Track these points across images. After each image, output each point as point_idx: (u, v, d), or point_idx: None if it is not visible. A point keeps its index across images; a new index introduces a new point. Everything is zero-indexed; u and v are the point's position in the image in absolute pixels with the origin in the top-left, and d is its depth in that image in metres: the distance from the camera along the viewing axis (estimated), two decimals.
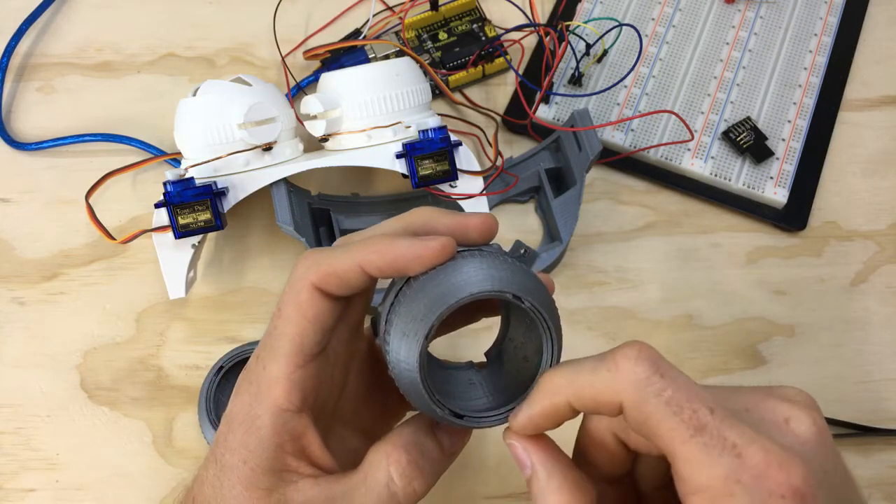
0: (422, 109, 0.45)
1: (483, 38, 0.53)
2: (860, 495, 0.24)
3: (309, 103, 0.43)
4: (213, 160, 0.42)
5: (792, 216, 0.49)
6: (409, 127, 0.44)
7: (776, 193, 0.49)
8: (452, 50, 0.53)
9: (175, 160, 0.50)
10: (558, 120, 0.51)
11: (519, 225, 0.49)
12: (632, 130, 0.51)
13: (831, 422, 0.43)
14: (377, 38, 0.53)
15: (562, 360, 0.27)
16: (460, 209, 0.45)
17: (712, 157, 0.50)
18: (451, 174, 0.43)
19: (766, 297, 0.48)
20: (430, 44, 0.53)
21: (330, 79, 0.44)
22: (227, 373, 0.44)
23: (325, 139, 0.45)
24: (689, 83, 0.52)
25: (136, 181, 0.50)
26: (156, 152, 0.50)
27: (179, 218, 0.41)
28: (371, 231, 0.29)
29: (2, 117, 0.51)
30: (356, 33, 0.53)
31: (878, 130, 0.52)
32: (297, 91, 0.52)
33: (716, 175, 0.49)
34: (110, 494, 0.43)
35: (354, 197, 0.49)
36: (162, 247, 0.43)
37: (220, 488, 0.27)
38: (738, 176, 0.49)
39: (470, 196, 0.45)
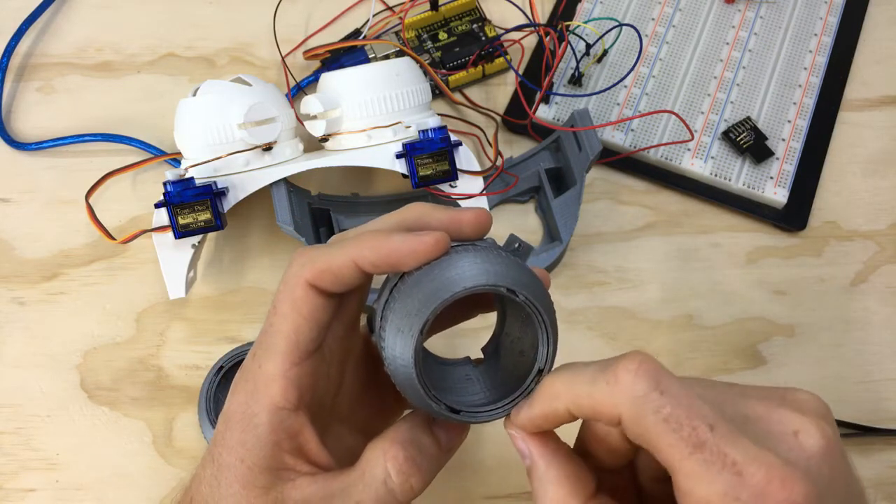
0: (422, 109, 0.45)
1: (483, 38, 0.53)
2: None
3: (309, 103, 0.43)
4: (213, 160, 0.42)
5: (792, 216, 0.49)
6: (409, 127, 0.44)
7: (776, 193, 0.49)
8: (452, 50, 0.53)
9: (175, 160, 0.50)
10: (558, 120, 0.51)
11: (519, 225, 0.49)
12: (632, 130, 0.51)
13: None
14: (377, 38, 0.53)
15: (558, 357, 0.27)
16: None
17: (712, 157, 0.50)
18: (451, 174, 0.43)
19: (766, 297, 0.48)
20: (430, 44, 0.53)
21: (330, 79, 0.44)
22: (227, 373, 0.44)
23: (325, 139, 0.45)
24: (689, 83, 0.52)
25: (136, 181, 0.50)
26: (156, 152, 0.50)
27: (179, 218, 0.41)
28: (365, 227, 0.29)
29: (2, 117, 0.51)
30: (356, 33, 0.53)
31: (878, 130, 0.52)
32: (297, 91, 0.52)
33: (716, 175, 0.49)
34: (110, 494, 0.43)
35: (354, 197, 0.49)
36: (162, 247, 0.43)
37: (218, 487, 0.27)
38: (738, 176, 0.49)
39: (470, 196, 0.45)
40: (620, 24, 0.49)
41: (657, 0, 0.55)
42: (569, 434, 0.28)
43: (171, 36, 0.54)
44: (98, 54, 0.54)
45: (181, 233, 0.42)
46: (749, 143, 0.50)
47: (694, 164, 0.50)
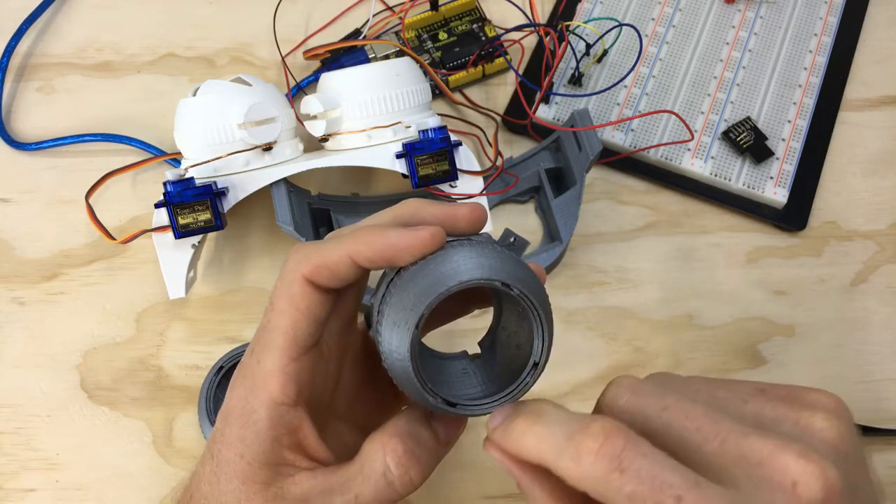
0: (422, 109, 0.45)
1: (483, 38, 0.53)
2: None
3: (309, 103, 0.43)
4: (213, 160, 0.42)
5: (792, 216, 0.49)
6: (409, 127, 0.44)
7: (776, 193, 0.49)
8: (452, 50, 0.53)
9: (175, 160, 0.50)
10: (558, 120, 0.51)
11: (519, 225, 0.49)
12: (632, 130, 0.51)
13: None
14: (377, 38, 0.53)
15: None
16: None
17: (712, 157, 0.50)
18: (451, 174, 0.43)
19: (766, 297, 0.48)
20: (430, 44, 0.53)
21: (330, 79, 0.44)
22: (227, 373, 0.44)
23: (325, 139, 0.45)
24: (689, 83, 0.52)
25: (136, 181, 0.50)
26: (156, 152, 0.50)
27: (179, 218, 0.41)
28: (361, 223, 0.29)
29: (2, 117, 0.51)
30: (356, 33, 0.53)
31: (878, 130, 0.52)
32: (297, 91, 0.52)
33: (716, 175, 0.49)
34: (110, 494, 0.43)
35: (354, 197, 0.49)
36: (162, 247, 0.43)
37: (217, 484, 0.27)
38: (738, 176, 0.49)
39: (470, 196, 0.45)
40: (620, 24, 0.49)
41: (657, 0, 0.55)
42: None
43: (171, 36, 0.54)
44: (98, 54, 0.54)
45: (181, 233, 0.42)
46: (749, 143, 0.50)
47: (694, 164, 0.50)
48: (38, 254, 0.49)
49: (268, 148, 0.43)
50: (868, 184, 0.51)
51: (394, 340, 0.26)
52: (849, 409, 0.24)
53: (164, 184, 0.41)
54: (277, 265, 0.48)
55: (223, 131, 0.42)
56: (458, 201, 0.45)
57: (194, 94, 0.43)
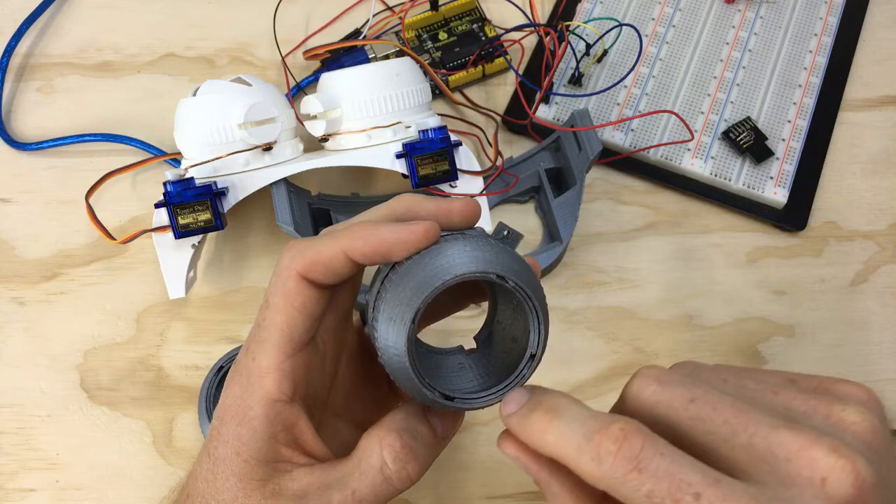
0: (422, 109, 0.45)
1: (483, 38, 0.53)
2: None
3: (309, 103, 0.43)
4: (213, 160, 0.42)
5: (792, 216, 0.49)
6: (409, 127, 0.44)
7: (776, 193, 0.49)
8: (452, 50, 0.53)
9: (175, 160, 0.50)
10: (558, 120, 0.51)
11: (519, 225, 0.49)
12: (632, 130, 0.51)
13: None
14: (377, 38, 0.53)
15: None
16: None
17: (712, 157, 0.50)
18: (451, 174, 0.43)
19: (766, 297, 0.48)
20: (430, 44, 0.53)
21: (330, 79, 0.44)
22: (227, 373, 0.44)
23: (325, 139, 0.45)
24: (689, 83, 0.52)
25: (136, 181, 0.50)
26: (156, 152, 0.50)
27: (179, 218, 0.41)
28: (355, 219, 0.29)
29: (2, 117, 0.51)
30: (356, 33, 0.53)
31: (878, 130, 0.52)
32: (297, 91, 0.52)
33: (716, 175, 0.49)
34: (110, 494, 0.44)
35: (354, 197, 0.49)
36: (162, 247, 0.43)
37: (214, 482, 0.27)
38: (738, 176, 0.49)
39: (470, 196, 0.45)
40: (620, 24, 0.49)
41: (657, 0, 0.55)
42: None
43: (171, 36, 0.54)
44: (98, 54, 0.54)
45: (181, 233, 0.42)
46: (749, 143, 0.50)
47: (694, 164, 0.50)
48: (38, 254, 0.49)
49: (268, 148, 0.43)
50: (868, 184, 0.51)
51: (390, 336, 0.26)
52: (881, 401, 0.24)
53: (164, 184, 0.41)
54: None
55: (223, 131, 0.42)
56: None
57: (194, 94, 0.43)
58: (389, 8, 0.54)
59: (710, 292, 0.48)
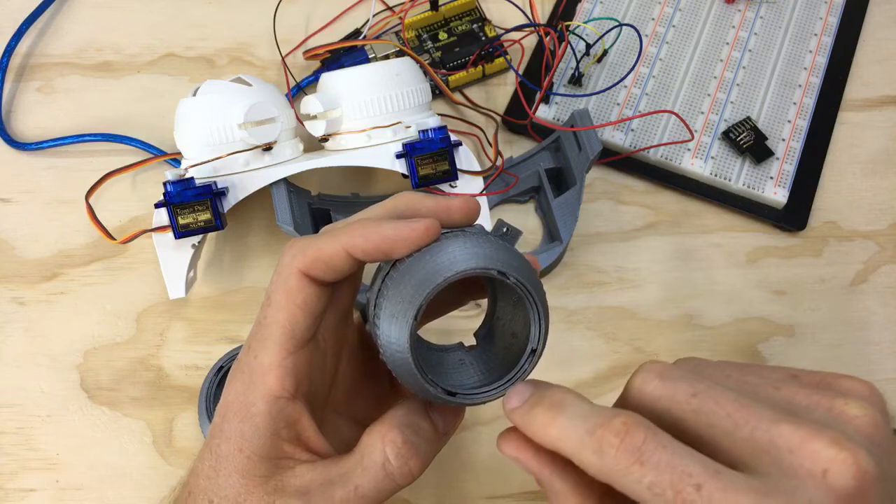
0: (422, 109, 0.45)
1: (483, 38, 0.53)
2: None
3: (309, 103, 0.43)
4: (213, 160, 0.42)
5: (792, 216, 0.49)
6: (409, 127, 0.44)
7: (776, 193, 0.49)
8: (452, 50, 0.53)
9: (175, 160, 0.50)
10: (558, 120, 0.51)
11: (519, 225, 0.49)
12: (632, 130, 0.51)
13: None
14: (377, 38, 0.53)
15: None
16: None
17: (712, 157, 0.50)
18: (451, 174, 0.43)
19: (766, 297, 0.48)
20: (430, 44, 0.53)
21: (330, 79, 0.44)
22: (227, 373, 0.44)
23: (325, 139, 0.45)
24: (689, 83, 0.52)
25: (136, 181, 0.50)
26: (156, 152, 0.50)
27: (179, 218, 0.41)
28: (356, 217, 0.30)
29: (2, 117, 0.51)
30: (356, 33, 0.53)
31: (878, 130, 0.52)
32: (297, 91, 0.52)
33: (716, 175, 0.49)
34: (110, 494, 0.43)
35: (354, 197, 0.49)
36: (162, 247, 0.43)
37: (216, 478, 0.27)
38: (738, 176, 0.49)
39: (470, 196, 0.45)
40: (620, 24, 0.49)
41: (657, 0, 0.55)
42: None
43: (171, 36, 0.54)
44: (98, 54, 0.54)
45: (181, 233, 0.42)
46: (749, 143, 0.50)
47: (694, 164, 0.50)
48: (38, 254, 0.49)
49: (268, 148, 0.43)
50: (868, 184, 0.51)
51: (392, 332, 0.26)
52: (882, 396, 0.24)
53: (164, 184, 0.41)
54: None
55: (223, 131, 0.42)
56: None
57: (194, 94, 0.43)
58: (389, 8, 0.54)
59: (710, 292, 0.48)
